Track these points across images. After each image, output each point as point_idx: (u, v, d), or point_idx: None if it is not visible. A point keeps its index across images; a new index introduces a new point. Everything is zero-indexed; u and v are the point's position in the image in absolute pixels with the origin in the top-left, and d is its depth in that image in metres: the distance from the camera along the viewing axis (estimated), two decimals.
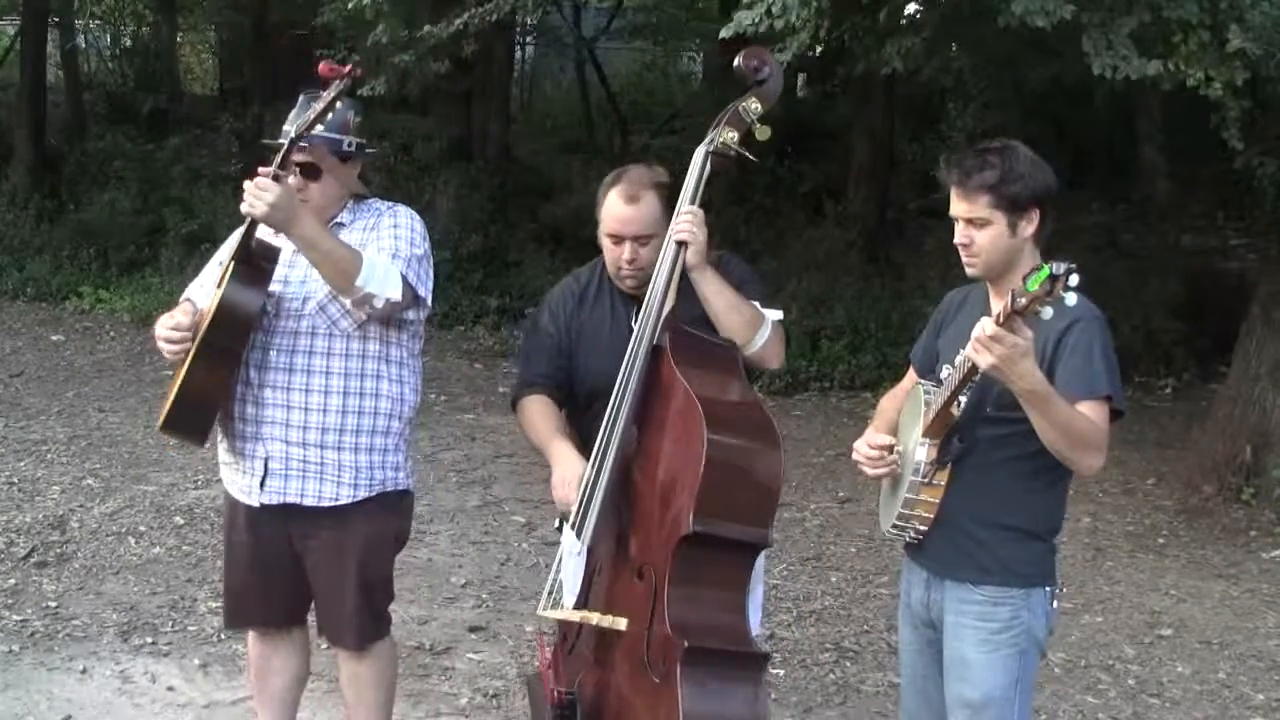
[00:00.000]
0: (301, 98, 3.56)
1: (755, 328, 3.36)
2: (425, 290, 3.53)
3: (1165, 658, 5.49)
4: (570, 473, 3.35)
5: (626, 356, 3.29)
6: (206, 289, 3.67)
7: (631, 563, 3.24)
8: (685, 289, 3.36)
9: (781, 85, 3.49)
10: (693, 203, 3.36)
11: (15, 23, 17.21)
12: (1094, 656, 5.45)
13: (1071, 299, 2.47)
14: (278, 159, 3.26)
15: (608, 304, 3.56)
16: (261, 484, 3.55)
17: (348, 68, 3.18)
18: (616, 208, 3.43)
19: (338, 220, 3.56)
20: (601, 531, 3.30)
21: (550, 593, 3.38)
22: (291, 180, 3.33)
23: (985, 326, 2.63)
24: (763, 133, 3.41)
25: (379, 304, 3.40)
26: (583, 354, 3.55)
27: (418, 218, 3.63)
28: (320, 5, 10.75)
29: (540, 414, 3.55)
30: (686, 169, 3.43)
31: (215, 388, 3.48)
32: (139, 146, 14.95)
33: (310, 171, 3.46)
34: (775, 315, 3.45)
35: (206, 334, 3.38)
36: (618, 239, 3.45)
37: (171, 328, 3.46)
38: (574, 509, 3.29)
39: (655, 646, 3.08)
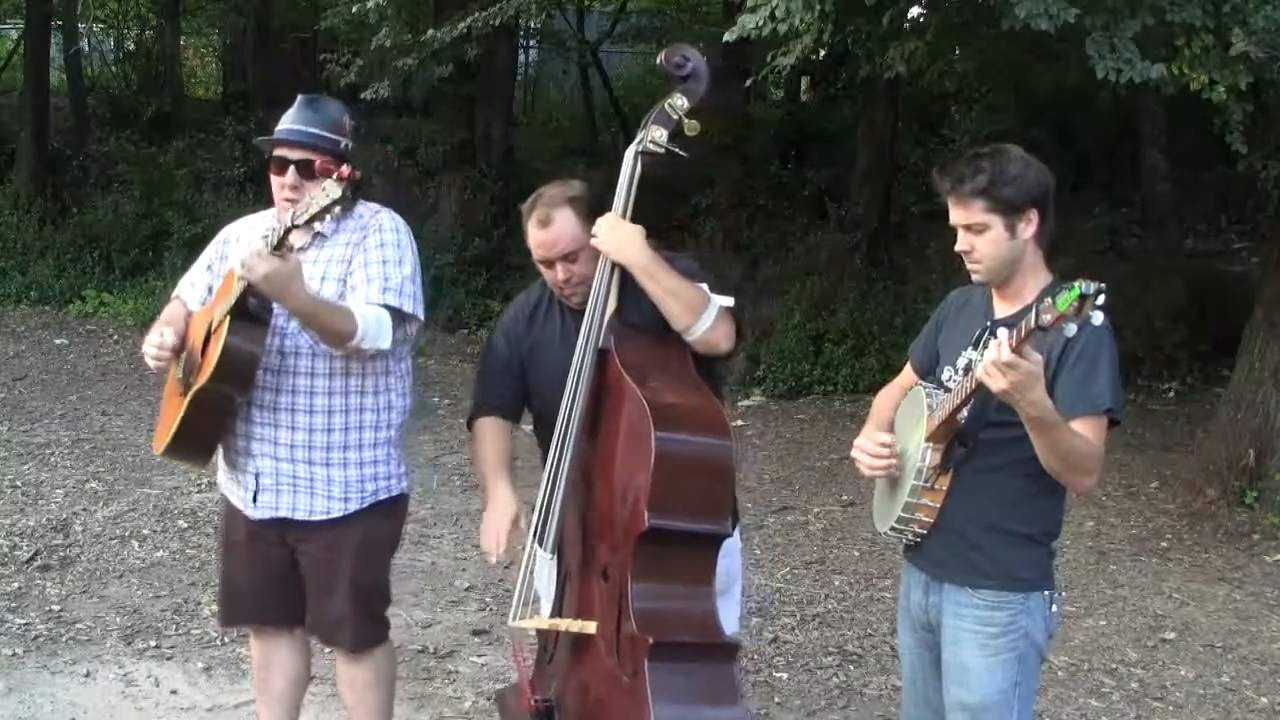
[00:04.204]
0: (300, 99, 3.59)
1: (697, 312, 3.32)
2: (416, 308, 3.53)
3: (1169, 661, 5.49)
4: (499, 513, 3.43)
5: (574, 362, 3.33)
6: (198, 289, 3.70)
7: (596, 565, 3.27)
8: (629, 289, 3.37)
9: (707, 79, 3.46)
10: (626, 201, 3.39)
11: (19, 26, 17.24)
12: (1097, 660, 5.45)
13: (1098, 318, 2.48)
14: (275, 236, 3.21)
15: (557, 320, 3.57)
16: (254, 499, 3.58)
17: (346, 170, 3.09)
18: (534, 234, 3.46)
19: (319, 231, 3.53)
20: (566, 537, 3.34)
21: (523, 603, 3.39)
22: (293, 260, 3.28)
23: (1002, 351, 2.63)
24: (692, 128, 3.41)
25: (369, 352, 3.45)
26: (535, 371, 3.57)
27: (402, 226, 3.61)
28: (323, 9, 10.77)
29: (489, 440, 3.60)
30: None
31: (215, 426, 3.55)
32: (142, 150, 14.97)
33: (306, 170, 3.46)
34: (724, 301, 3.42)
35: (207, 384, 3.38)
36: (547, 262, 3.48)
37: (158, 346, 3.50)
38: (505, 545, 3.38)
39: (624, 645, 3.10)
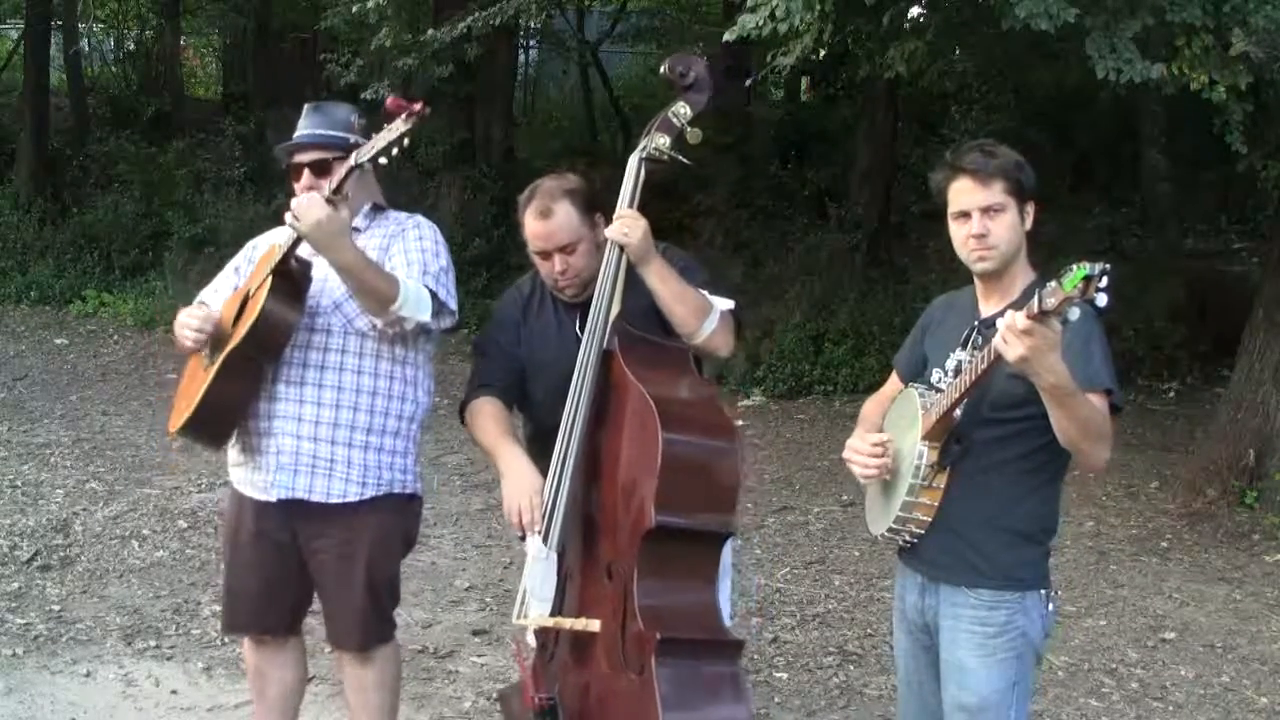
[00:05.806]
0: (307, 106, 3.60)
1: (702, 316, 3.39)
2: (449, 300, 3.56)
3: (1169, 661, 5.49)
4: (523, 486, 3.37)
5: (578, 362, 3.33)
6: (222, 294, 3.70)
7: (600, 563, 3.28)
8: (630, 285, 3.39)
9: (710, 88, 3.50)
10: (631, 206, 3.40)
11: (19, 26, 17.24)
12: (1097, 660, 5.45)
13: (1103, 300, 2.43)
14: (334, 181, 3.24)
15: (551, 314, 3.59)
16: (272, 480, 3.56)
17: (418, 105, 3.15)
18: (532, 224, 3.47)
19: (353, 225, 3.56)
20: (569, 536, 3.34)
21: (522, 602, 3.40)
22: (344, 212, 3.32)
23: (1017, 319, 2.58)
24: (694, 136, 3.46)
25: (409, 325, 3.47)
26: (532, 365, 3.58)
27: (438, 229, 3.66)
28: (323, 9, 10.78)
29: (490, 415, 3.56)
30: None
31: (241, 397, 3.52)
32: (142, 150, 14.97)
33: (320, 169, 3.48)
34: (725, 305, 3.47)
35: (241, 345, 3.39)
36: (544, 254, 3.48)
37: (200, 321, 3.48)
38: (537, 518, 3.32)
39: (630, 642, 3.11)
